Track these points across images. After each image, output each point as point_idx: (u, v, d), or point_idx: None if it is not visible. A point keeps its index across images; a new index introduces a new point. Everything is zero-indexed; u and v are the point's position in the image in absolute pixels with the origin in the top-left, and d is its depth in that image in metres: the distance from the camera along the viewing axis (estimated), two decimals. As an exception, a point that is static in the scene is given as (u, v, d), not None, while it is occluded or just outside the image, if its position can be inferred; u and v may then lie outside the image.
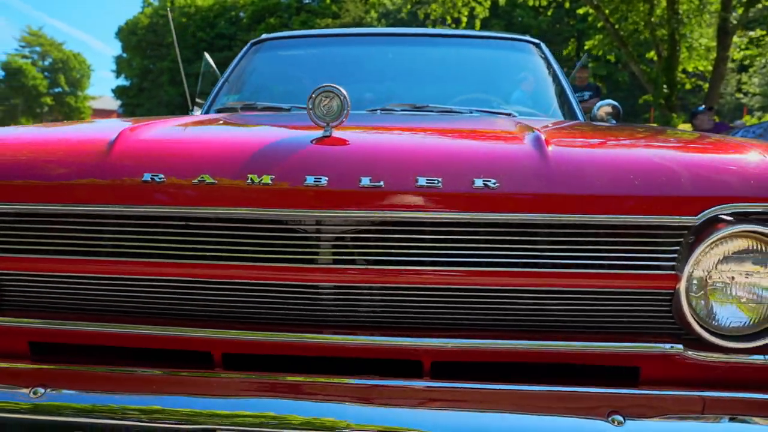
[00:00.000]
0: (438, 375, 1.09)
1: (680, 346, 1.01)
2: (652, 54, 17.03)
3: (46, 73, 43.04)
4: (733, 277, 0.99)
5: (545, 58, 2.92)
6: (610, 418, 0.99)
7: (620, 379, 1.08)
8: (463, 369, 1.09)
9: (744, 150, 1.06)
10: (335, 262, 1.06)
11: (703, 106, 8.85)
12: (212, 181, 1.01)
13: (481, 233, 1.01)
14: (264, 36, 3.17)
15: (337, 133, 1.11)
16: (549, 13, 22.43)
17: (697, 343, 1.01)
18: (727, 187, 0.97)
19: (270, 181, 1.00)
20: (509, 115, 2.31)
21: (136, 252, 1.07)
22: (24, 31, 45.05)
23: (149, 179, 1.02)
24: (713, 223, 0.97)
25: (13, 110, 40.30)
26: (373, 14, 32.74)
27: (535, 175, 0.99)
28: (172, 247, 1.07)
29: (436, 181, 0.98)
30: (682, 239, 1.00)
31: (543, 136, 1.06)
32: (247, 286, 1.08)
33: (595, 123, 2.37)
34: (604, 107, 2.76)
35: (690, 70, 16.66)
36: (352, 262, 1.06)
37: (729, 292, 0.99)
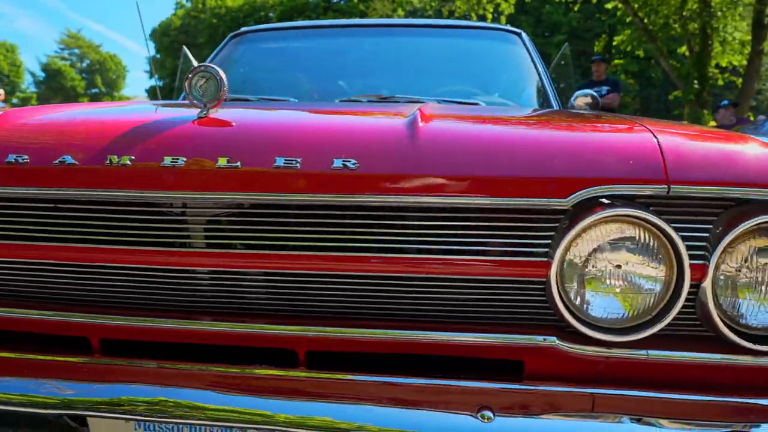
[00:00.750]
0: (315, 365, 1.05)
1: (554, 339, 0.94)
2: (683, 49, 16.52)
3: (83, 75, 44.39)
4: (608, 266, 0.91)
5: (525, 48, 2.85)
6: (479, 414, 0.94)
7: (505, 373, 1.02)
8: (343, 360, 1.05)
9: (633, 131, 0.98)
10: (208, 245, 1.03)
11: (727, 101, 8.51)
12: (73, 162, 0.99)
13: (341, 216, 0.96)
14: (243, 29, 3.17)
15: (215, 115, 1.08)
16: (576, 9, 22.00)
17: (573, 335, 0.94)
18: (600, 168, 0.89)
19: (129, 162, 0.97)
20: (475, 104, 2.25)
21: (8, 235, 1.05)
22: (63, 34, 46.55)
23: (13, 161, 1.00)
24: (588, 207, 0.90)
25: (53, 110, 41.53)
26: (400, 12, 32.63)
27: (399, 155, 0.93)
28: (48, 230, 1.06)
29: (294, 162, 0.94)
30: (557, 224, 0.93)
31: (419, 116, 1.01)
32: (119, 270, 1.06)
33: (553, 110, 2.27)
34: (581, 98, 2.67)
35: (723, 65, 16.08)
36: (222, 245, 1.02)
37: (604, 281, 0.92)
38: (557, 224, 0.93)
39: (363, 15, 35.23)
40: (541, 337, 0.94)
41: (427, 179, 0.91)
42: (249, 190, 0.95)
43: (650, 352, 0.94)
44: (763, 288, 0.91)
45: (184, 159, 0.96)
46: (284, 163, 0.94)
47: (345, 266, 0.97)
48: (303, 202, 0.95)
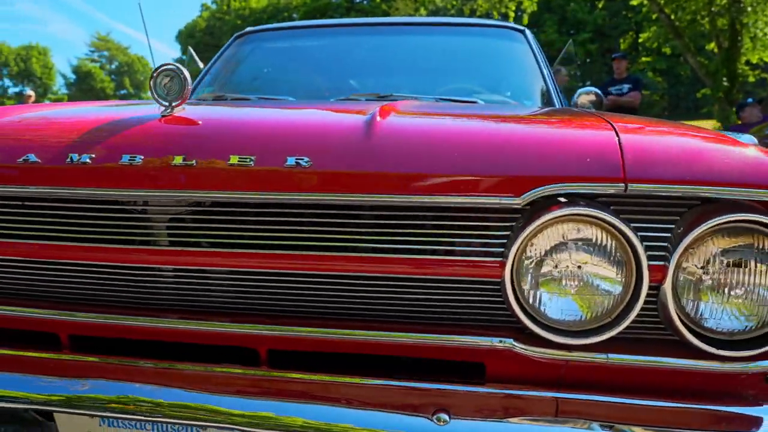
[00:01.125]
0: (278, 364, 1.05)
1: (510, 341, 0.92)
2: (712, 45, 16.12)
3: (112, 76, 45.37)
4: (564, 266, 0.89)
5: (528, 45, 2.80)
6: (434, 417, 0.92)
7: (469, 375, 1.00)
8: (308, 359, 1.04)
9: (594, 129, 0.95)
10: (171, 243, 1.04)
11: (752, 99, 8.27)
12: (36, 160, 1.00)
13: (295, 215, 0.95)
14: (248, 29, 3.19)
15: (180, 113, 1.08)
16: (600, 6, 21.63)
17: (531, 338, 0.92)
18: (554, 166, 0.87)
19: (89, 160, 0.98)
20: (472, 102, 2.22)
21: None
22: (94, 37, 47.67)
23: (-21, 159, 1.02)
24: (546, 206, 0.88)
25: (83, 112, 42.56)
26: (423, 11, 32.55)
27: (351, 153, 0.92)
28: (15, 228, 1.07)
29: (248, 159, 0.93)
30: (513, 223, 0.91)
31: (377, 114, 0.99)
32: (86, 267, 1.07)
33: (531, 108, 2.22)
34: (584, 95, 2.62)
35: (754, 61, 15.64)
36: (184, 243, 1.03)
37: (560, 282, 0.89)
38: (513, 223, 0.90)
39: (385, 14, 35.25)
40: (497, 339, 0.92)
41: (379, 177, 0.90)
42: (205, 188, 0.95)
43: (611, 355, 0.91)
44: (727, 291, 0.87)
45: (142, 157, 0.96)
46: (238, 161, 0.93)
47: (298, 265, 0.96)
48: (257, 200, 0.94)
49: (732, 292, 0.87)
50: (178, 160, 0.95)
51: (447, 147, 0.91)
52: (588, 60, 34.66)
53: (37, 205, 1.04)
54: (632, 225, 0.89)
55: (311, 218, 0.95)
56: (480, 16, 20.82)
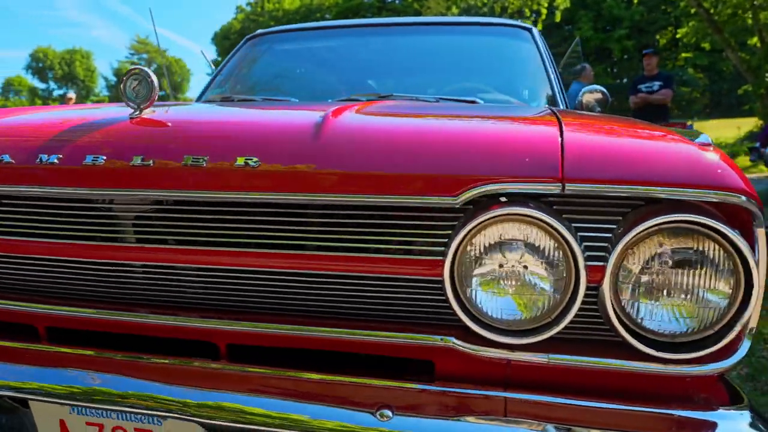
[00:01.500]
0: (238, 358, 1.08)
1: (452, 339, 0.92)
2: (754, 40, 15.54)
3: (151, 79, 46.52)
4: (503, 266, 0.89)
5: (534, 44, 2.78)
6: (378, 412, 0.94)
7: (420, 373, 1.02)
8: (271, 353, 1.07)
9: (540, 128, 0.95)
10: (138, 240, 1.08)
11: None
12: (10, 161, 1.06)
13: (246, 213, 0.98)
14: (258, 31, 3.25)
15: (149, 115, 1.12)
16: (637, 1, 21.07)
17: (474, 336, 0.93)
18: (492, 166, 0.87)
19: (56, 161, 1.03)
20: (473, 102, 2.22)
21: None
22: (133, 40, 49.02)
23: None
24: (482, 205, 0.89)
25: (123, 113, 43.92)
26: (455, 10, 32.34)
27: (297, 153, 0.94)
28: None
29: (201, 160, 0.97)
30: (455, 222, 0.91)
31: (328, 115, 1.01)
32: (60, 263, 1.12)
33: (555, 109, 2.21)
34: (588, 94, 2.57)
35: (799, 56, 14.99)
36: (150, 240, 1.07)
37: (499, 282, 0.89)
38: (456, 223, 0.91)
39: (417, 13, 35.15)
40: (438, 337, 0.93)
41: (323, 177, 0.92)
42: (162, 187, 0.99)
43: (551, 356, 0.91)
44: (667, 292, 0.86)
45: (104, 157, 1.01)
46: (192, 161, 0.97)
47: (247, 261, 0.99)
48: (209, 199, 0.98)
49: (672, 294, 0.86)
50: (137, 160, 0.99)
51: (390, 147, 0.93)
52: (625, 57, 33.84)
53: (13, 203, 1.10)
54: (574, 225, 0.89)
55: (260, 216, 0.98)
56: (512, 14, 20.58)
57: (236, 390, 1.02)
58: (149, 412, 1.04)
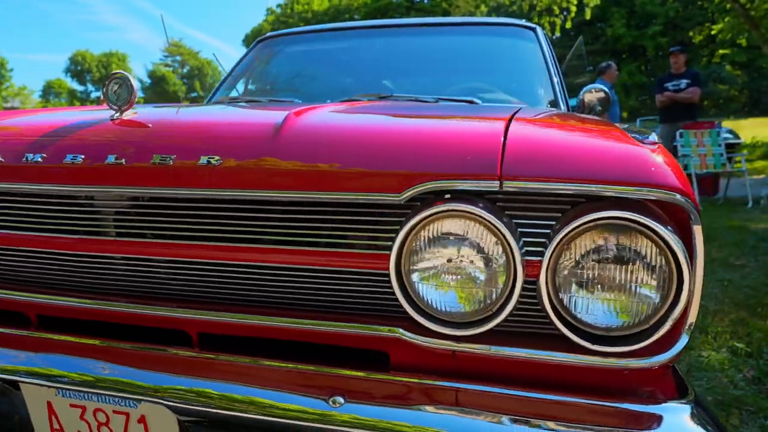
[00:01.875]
0: (208, 346, 1.15)
1: (399, 330, 0.96)
2: (794, 35, 15.04)
3: (184, 80, 47.63)
4: (445, 261, 0.92)
5: (538, 44, 2.79)
6: (330, 399, 0.98)
7: (378, 364, 1.06)
8: (239, 343, 1.13)
9: (487, 125, 0.98)
10: (118, 234, 1.15)
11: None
12: (0, 159, 1.14)
13: (209, 209, 1.04)
14: (269, 33, 3.33)
15: (130, 117, 1.19)
16: (669, -4, 20.56)
17: (421, 328, 0.96)
18: (434, 164, 0.90)
19: (40, 159, 1.11)
20: (471, 102, 2.25)
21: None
22: (167, 42, 50.14)
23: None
24: (428, 202, 0.92)
25: (157, 114, 45.12)
26: (483, 8, 32.14)
27: (257, 151, 1.00)
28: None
29: (168, 159, 1.03)
30: (402, 218, 0.95)
31: (289, 115, 1.06)
32: (49, 255, 1.21)
33: (550, 110, 2.21)
34: (589, 93, 2.56)
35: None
36: (128, 234, 1.14)
37: (440, 276, 0.93)
38: (403, 218, 0.95)
39: (446, 13, 35.05)
40: (386, 327, 0.97)
41: (278, 174, 0.97)
42: (134, 185, 1.06)
43: (493, 348, 0.94)
44: (601, 287, 0.88)
45: (82, 156, 1.08)
46: (160, 160, 1.03)
47: (211, 254, 1.05)
48: (177, 195, 1.04)
49: (606, 289, 0.88)
50: (111, 158, 1.06)
51: (342, 146, 0.97)
52: (660, 54, 33.06)
53: (4, 199, 1.18)
54: (517, 221, 0.92)
55: (222, 212, 1.04)
56: (540, 11, 20.31)
57: (204, 376, 1.08)
58: (126, 395, 1.11)
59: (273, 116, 1.08)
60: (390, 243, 0.96)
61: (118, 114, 1.18)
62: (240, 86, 3.02)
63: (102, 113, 1.24)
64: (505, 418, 0.96)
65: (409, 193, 0.91)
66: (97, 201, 1.13)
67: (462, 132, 0.97)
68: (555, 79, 2.60)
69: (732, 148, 9.30)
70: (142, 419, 1.11)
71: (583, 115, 1.37)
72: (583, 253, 0.88)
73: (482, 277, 0.91)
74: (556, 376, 0.98)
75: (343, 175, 0.95)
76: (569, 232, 0.86)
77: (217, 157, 1.00)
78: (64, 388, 1.16)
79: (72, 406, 1.16)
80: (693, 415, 0.92)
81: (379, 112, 1.23)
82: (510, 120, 1.00)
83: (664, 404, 0.94)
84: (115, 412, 1.13)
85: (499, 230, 0.88)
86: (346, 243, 1.00)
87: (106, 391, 1.12)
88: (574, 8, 19.75)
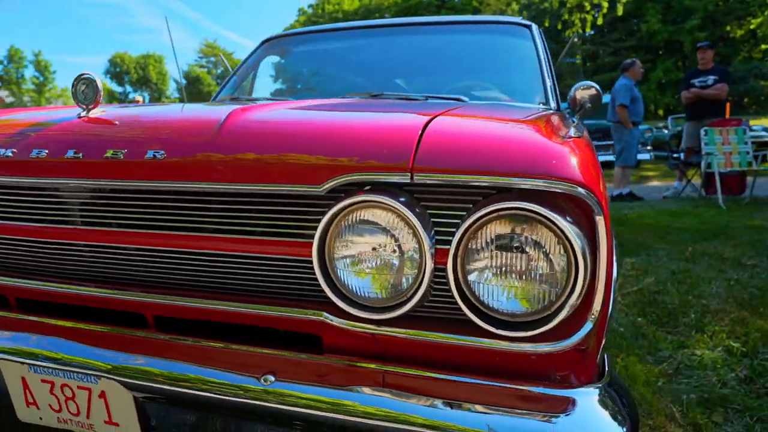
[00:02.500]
0: (165, 329, 1.23)
1: (323, 313, 1.03)
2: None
3: (218, 81, 48.54)
4: (361, 248, 0.98)
5: (532, 41, 2.80)
6: (262, 378, 1.05)
7: (313, 346, 1.12)
8: (198, 326, 1.21)
9: (408, 118, 1.03)
10: (83, 223, 1.25)
11: None
12: (-21, 154, 1.25)
13: (155, 199, 1.12)
14: (273, 34, 3.43)
15: (96, 115, 1.29)
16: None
17: (340, 312, 1.02)
18: (352, 156, 0.96)
19: (11, 154, 1.21)
20: (458, 100, 2.30)
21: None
22: (202, 44, 51.20)
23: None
24: (350, 193, 0.98)
25: (192, 114, 46.17)
26: (515, 6, 31.82)
27: (194, 146, 1.07)
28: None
29: (120, 153, 1.11)
30: (326, 209, 1.01)
31: (234, 111, 1.14)
32: (20, 242, 1.31)
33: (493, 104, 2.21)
34: (580, 90, 2.56)
35: None
36: (92, 224, 1.23)
37: (359, 263, 0.98)
38: (326, 209, 1.01)
39: (476, 11, 34.82)
40: (312, 311, 1.04)
41: (213, 167, 1.04)
42: (92, 177, 1.14)
43: (410, 331, 0.99)
44: (504, 275, 0.92)
45: (46, 151, 1.18)
46: (112, 154, 1.12)
47: (158, 242, 1.13)
48: (129, 187, 1.12)
49: (509, 276, 0.92)
50: (70, 153, 1.15)
51: (272, 141, 1.04)
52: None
53: None
54: (430, 211, 0.97)
55: (168, 203, 1.12)
56: (570, 8, 19.99)
57: (155, 354, 1.16)
58: (87, 372, 1.20)
59: (220, 112, 1.15)
60: (312, 232, 1.02)
61: (84, 112, 1.28)
62: (252, 84, 3.12)
63: (72, 112, 1.33)
64: (423, 398, 1.01)
65: (329, 185, 0.97)
66: (62, 192, 1.23)
67: (384, 127, 1.02)
68: (547, 76, 2.62)
69: (766, 146, 9.02)
70: (102, 395, 1.19)
71: (526, 110, 1.40)
72: (487, 241, 0.92)
73: (396, 264, 0.97)
74: (477, 361, 1.02)
75: (272, 168, 1.01)
76: (474, 221, 0.90)
77: (162, 152, 1.08)
78: (35, 365, 1.26)
79: (42, 381, 1.26)
80: (601, 399, 0.95)
81: (326, 109, 1.30)
82: (437, 115, 1.05)
83: (577, 389, 0.97)
84: (79, 387, 1.22)
85: (410, 220, 0.93)
86: (278, 232, 1.06)
87: (70, 368, 1.21)
88: (606, 4, 19.37)
